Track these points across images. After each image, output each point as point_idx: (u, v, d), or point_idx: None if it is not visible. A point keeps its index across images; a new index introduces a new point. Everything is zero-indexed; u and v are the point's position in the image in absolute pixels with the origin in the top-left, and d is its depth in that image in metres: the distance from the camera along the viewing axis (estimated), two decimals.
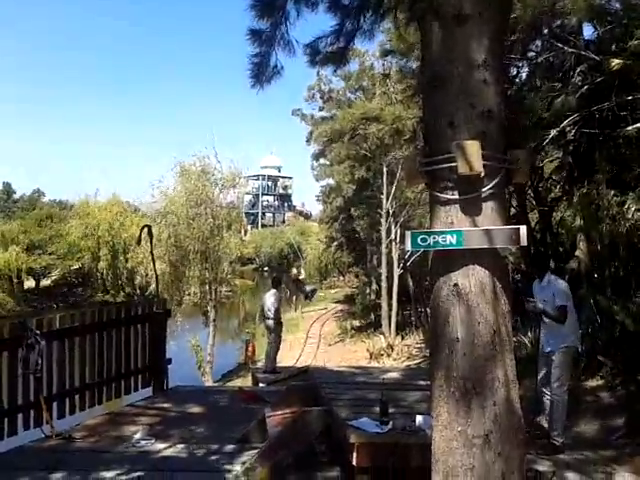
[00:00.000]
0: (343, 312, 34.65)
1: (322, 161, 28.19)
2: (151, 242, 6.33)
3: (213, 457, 4.67)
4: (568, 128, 8.92)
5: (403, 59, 9.18)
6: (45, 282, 41.55)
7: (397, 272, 22.19)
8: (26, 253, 38.62)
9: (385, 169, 20.31)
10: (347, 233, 32.95)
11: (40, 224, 42.08)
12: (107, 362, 5.87)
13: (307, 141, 26.05)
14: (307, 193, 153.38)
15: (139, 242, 6.72)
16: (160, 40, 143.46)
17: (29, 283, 41.10)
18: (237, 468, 4.38)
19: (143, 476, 4.26)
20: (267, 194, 78.96)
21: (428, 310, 23.01)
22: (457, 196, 2.82)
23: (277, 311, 9.46)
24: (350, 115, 11.78)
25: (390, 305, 22.80)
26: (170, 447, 4.85)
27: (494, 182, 2.82)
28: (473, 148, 2.71)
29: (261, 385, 8.52)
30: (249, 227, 68.70)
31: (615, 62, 7.79)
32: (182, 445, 4.90)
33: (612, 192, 8.87)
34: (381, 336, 22.04)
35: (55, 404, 5.32)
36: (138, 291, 40.12)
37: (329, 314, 35.12)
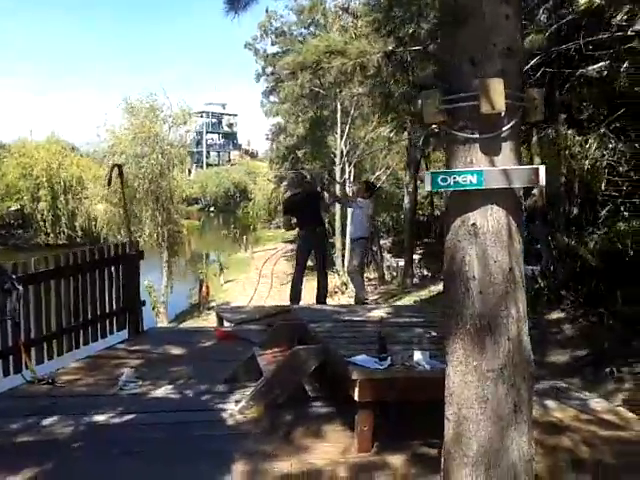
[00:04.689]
0: (294, 251, 34.79)
1: (272, 98, 27.63)
2: (122, 182, 6.10)
3: (204, 397, 4.69)
4: (532, 69, 8.98)
5: None
6: None
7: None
8: None
9: (339, 107, 20.11)
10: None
11: None
12: (83, 305, 5.74)
13: (258, 76, 25.41)
14: (253, 131, 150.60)
15: (109, 182, 6.44)
16: None
17: None
18: (231, 406, 4.42)
19: (137, 418, 4.25)
20: (211, 132, 76.93)
21: (378, 248, 23.44)
22: (477, 135, 2.80)
23: None
24: (314, 48, 11.43)
25: (343, 244, 23.02)
26: (158, 389, 4.83)
27: (513, 121, 2.82)
28: (497, 86, 2.68)
29: (227, 325, 8.52)
30: (194, 166, 67.28)
31: (583, 1, 7.83)
32: (170, 386, 4.89)
33: (573, 131, 9.09)
34: (335, 274, 22.32)
35: (33, 350, 5.18)
36: (80, 232, 39.19)
37: (279, 253, 35.25)
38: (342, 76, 12.14)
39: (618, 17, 7.34)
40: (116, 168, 6.19)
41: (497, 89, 2.68)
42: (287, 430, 4.09)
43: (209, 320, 19.94)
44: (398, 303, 13.71)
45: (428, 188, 2.90)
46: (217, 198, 61.31)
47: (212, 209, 61.34)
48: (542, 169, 2.81)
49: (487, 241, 2.84)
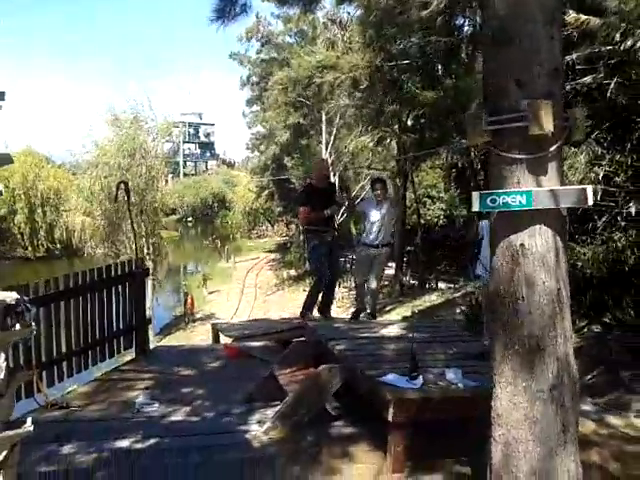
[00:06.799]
0: (276, 261, 34.65)
1: (255, 108, 27.57)
2: (128, 198, 5.97)
3: (225, 419, 4.59)
4: None
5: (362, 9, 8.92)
6: None
7: (336, 221, 22.32)
8: None
9: (324, 117, 20.13)
10: (279, 182, 32.66)
11: None
12: (91, 325, 5.61)
13: (243, 85, 25.34)
14: (230, 141, 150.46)
15: (116, 199, 6.32)
16: None
17: None
18: (253, 428, 4.34)
19: (160, 443, 4.15)
20: (188, 142, 76.28)
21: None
22: (524, 156, 2.80)
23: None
24: (306, 63, 11.48)
25: None
26: (176, 411, 4.71)
27: (560, 141, 2.83)
28: (546, 108, 2.69)
29: (227, 341, 8.40)
30: (170, 176, 66.48)
31: (572, 16, 7.95)
32: (188, 408, 4.77)
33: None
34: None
35: (44, 372, 5.03)
36: (59, 245, 38.57)
37: (262, 263, 35.06)
38: (333, 89, 12.26)
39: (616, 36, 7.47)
40: (122, 185, 6.09)
41: (546, 110, 2.69)
42: (315, 451, 4.04)
43: (196, 332, 19.74)
44: (393, 314, 13.71)
45: (476, 209, 2.89)
46: (195, 208, 60.61)
47: (190, 219, 60.65)
48: (590, 189, 2.82)
49: (535, 262, 2.84)
